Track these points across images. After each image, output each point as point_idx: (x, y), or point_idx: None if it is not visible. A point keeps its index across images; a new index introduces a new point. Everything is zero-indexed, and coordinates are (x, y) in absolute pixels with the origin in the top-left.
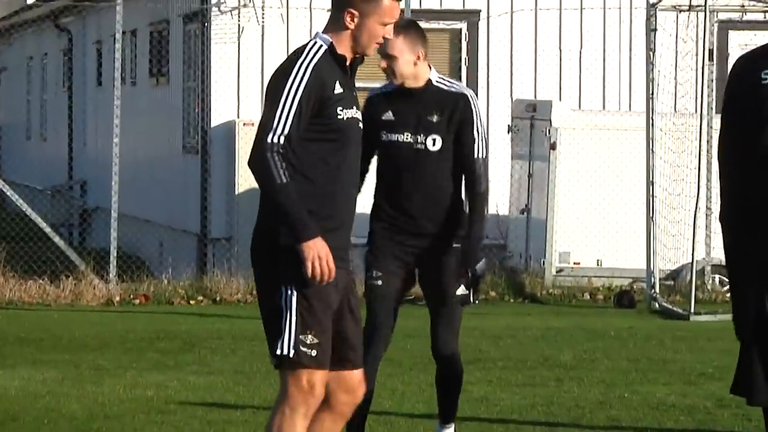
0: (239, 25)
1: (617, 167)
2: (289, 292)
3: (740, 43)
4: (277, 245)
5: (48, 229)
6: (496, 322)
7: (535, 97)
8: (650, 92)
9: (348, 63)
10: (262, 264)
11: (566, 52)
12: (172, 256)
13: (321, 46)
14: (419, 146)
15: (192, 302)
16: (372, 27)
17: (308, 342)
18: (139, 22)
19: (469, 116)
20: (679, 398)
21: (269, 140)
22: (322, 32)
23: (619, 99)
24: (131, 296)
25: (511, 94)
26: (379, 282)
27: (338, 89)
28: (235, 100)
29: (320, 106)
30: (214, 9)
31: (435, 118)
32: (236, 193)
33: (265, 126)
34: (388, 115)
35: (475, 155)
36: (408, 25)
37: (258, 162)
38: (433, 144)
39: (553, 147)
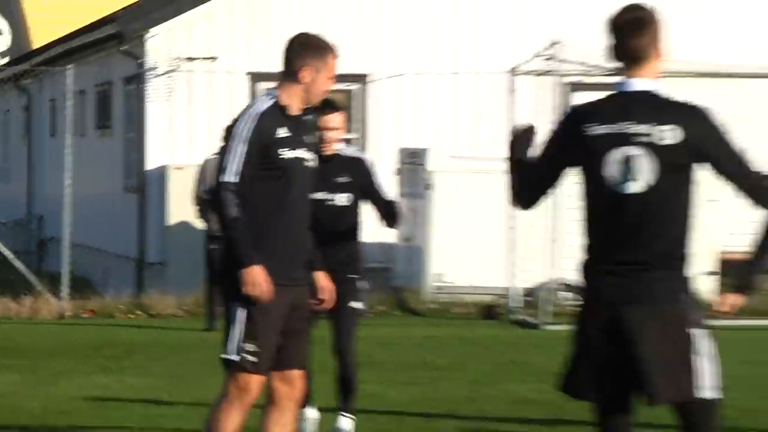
0: (170, 86)
1: (485, 203)
2: (238, 306)
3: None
4: (230, 268)
5: (10, 255)
6: (384, 332)
7: (417, 146)
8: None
9: (299, 112)
10: (222, 282)
11: (444, 108)
12: (114, 277)
13: (268, 99)
14: (329, 203)
15: (131, 316)
16: (322, 80)
17: (249, 350)
18: (86, 84)
19: (370, 175)
20: (534, 394)
21: (224, 179)
22: (274, 88)
23: (488, 146)
24: (80, 311)
25: (398, 143)
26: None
27: (283, 133)
28: (167, 148)
29: (265, 148)
30: (150, 73)
31: (344, 179)
32: (167, 225)
33: (222, 168)
34: None
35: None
36: (340, 106)
37: (216, 199)
38: (347, 201)
39: (428, 187)
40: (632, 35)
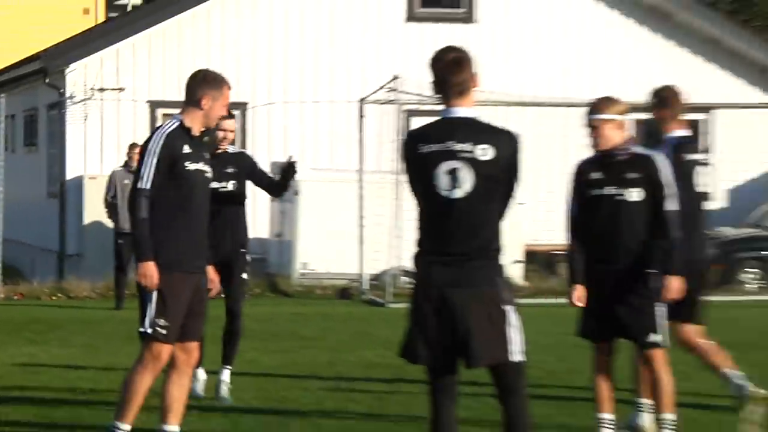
0: (85, 111)
1: (340, 206)
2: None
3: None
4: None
5: None
6: (260, 310)
7: (285, 160)
8: (361, 157)
9: (198, 133)
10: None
11: (307, 130)
12: (40, 267)
13: (174, 122)
14: (222, 189)
15: (54, 298)
16: (218, 108)
17: (161, 324)
18: (16, 109)
19: (253, 164)
20: (380, 359)
21: (139, 186)
22: (178, 114)
23: (343, 161)
24: (12, 294)
25: (270, 158)
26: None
27: (186, 150)
28: (83, 162)
29: (172, 161)
30: (69, 101)
31: (231, 170)
32: (83, 224)
33: (139, 177)
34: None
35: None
36: (233, 114)
37: (132, 202)
38: (233, 187)
39: (296, 193)
40: (454, 72)
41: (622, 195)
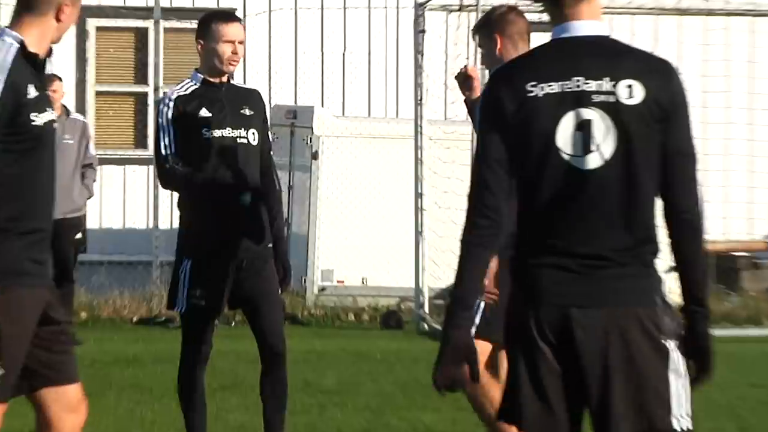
0: None
1: (384, 178)
2: None
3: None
4: None
5: None
6: (252, 346)
7: (296, 102)
8: (418, 98)
9: (43, 60)
10: None
11: (329, 54)
12: None
13: (11, 44)
14: (242, 140)
15: None
16: (74, 16)
17: None
18: None
19: (264, 111)
20: (448, 425)
21: None
22: (10, 27)
23: (386, 105)
24: None
25: (269, 99)
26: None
27: (32, 93)
28: None
29: (14, 111)
30: None
31: (248, 112)
32: None
33: None
34: (204, 112)
35: (270, 151)
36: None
37: None
38: (254, 138)
39: (314, 156)
40: None
41: None
